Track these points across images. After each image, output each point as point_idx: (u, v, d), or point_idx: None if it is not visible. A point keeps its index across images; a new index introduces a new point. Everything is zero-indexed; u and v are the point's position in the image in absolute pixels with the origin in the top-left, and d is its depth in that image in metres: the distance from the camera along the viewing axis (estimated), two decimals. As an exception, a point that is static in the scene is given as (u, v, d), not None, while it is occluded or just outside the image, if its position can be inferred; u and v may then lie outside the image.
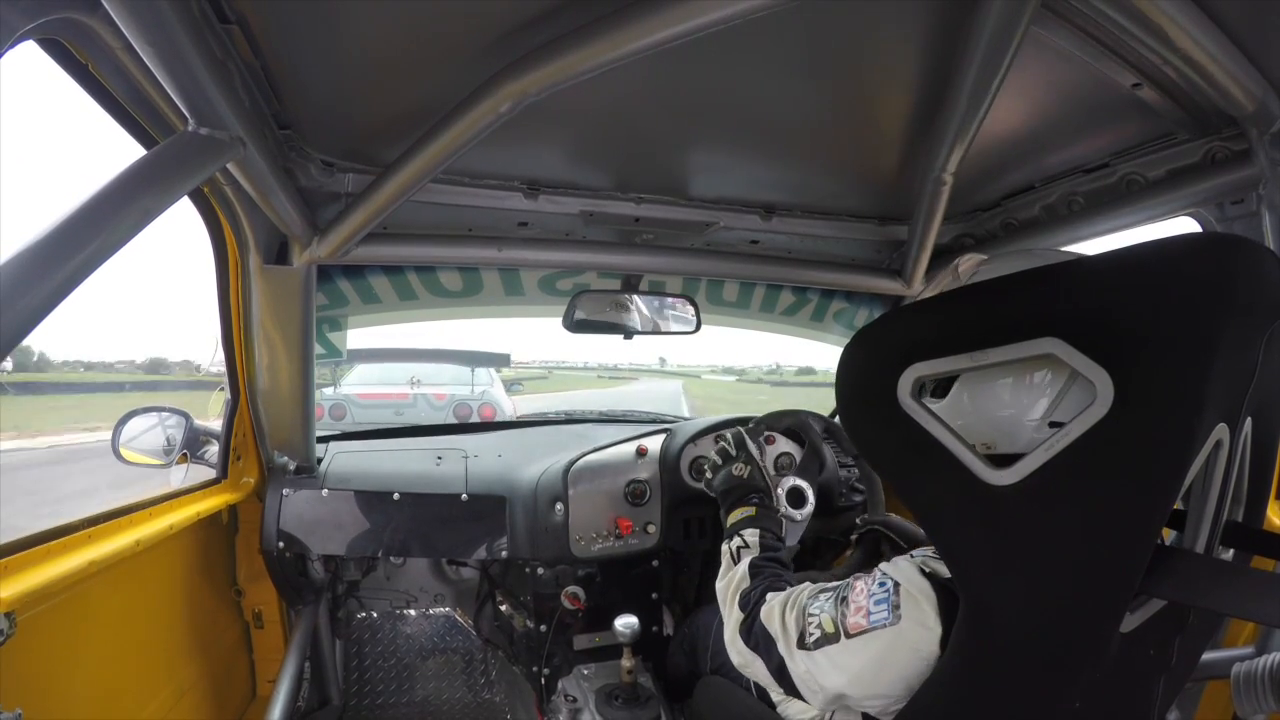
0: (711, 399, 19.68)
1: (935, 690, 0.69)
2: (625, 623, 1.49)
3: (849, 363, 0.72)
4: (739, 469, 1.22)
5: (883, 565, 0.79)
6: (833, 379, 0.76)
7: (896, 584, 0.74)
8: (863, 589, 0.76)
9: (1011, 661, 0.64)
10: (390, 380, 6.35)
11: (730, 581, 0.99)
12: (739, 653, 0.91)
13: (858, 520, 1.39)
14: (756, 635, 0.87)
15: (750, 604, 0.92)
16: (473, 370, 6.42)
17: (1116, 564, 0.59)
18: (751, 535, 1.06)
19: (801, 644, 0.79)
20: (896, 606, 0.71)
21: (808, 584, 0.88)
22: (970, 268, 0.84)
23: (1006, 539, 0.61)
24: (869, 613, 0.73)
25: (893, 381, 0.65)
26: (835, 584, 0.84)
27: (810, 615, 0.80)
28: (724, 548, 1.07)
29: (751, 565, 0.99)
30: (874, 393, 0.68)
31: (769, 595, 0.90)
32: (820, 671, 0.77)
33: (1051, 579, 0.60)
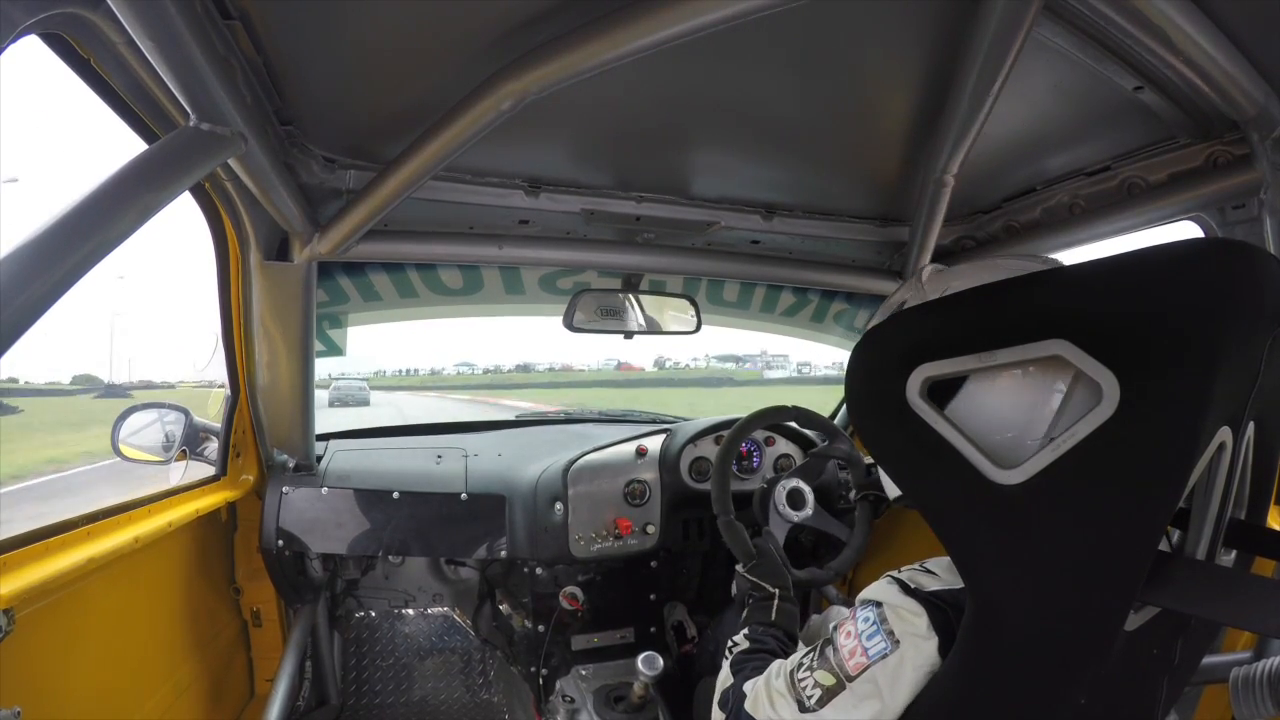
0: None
1: (940, 691, 0.69)
2: (649, 662, 1.40)
3: (858, 362, 0.72)
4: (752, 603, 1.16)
5: (860, 595, 0.78)
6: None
7: (879, 606, 0.73)
8: (849, 632, 0.75)
9: (1019, 658, 0.64)
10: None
11: (718, 685, 0.97)
12: None
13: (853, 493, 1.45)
14: None
15: (729, 701, 0.90)
16: None
17: (1120, 564, 0.59)
18: (740, 636, 1.05)
19: (803, 709, 0.77)
20: (891, 633, 0.71)
21: (779, 660, 0.87)
22: (934, 279, 0.83)
23: (1014, 537, 0.61)
24: (865, 650, 0.72)
25: (902, 381, 0.65)
26: (806, 649, 0.82)
27: (801, 679, 0.78)
28: None
29: (733, 663, 0.98)
30: (883, 392, 0.68)
31: (747, 686, 0.88)
32: None
33: (1058, 577, 0.60)
